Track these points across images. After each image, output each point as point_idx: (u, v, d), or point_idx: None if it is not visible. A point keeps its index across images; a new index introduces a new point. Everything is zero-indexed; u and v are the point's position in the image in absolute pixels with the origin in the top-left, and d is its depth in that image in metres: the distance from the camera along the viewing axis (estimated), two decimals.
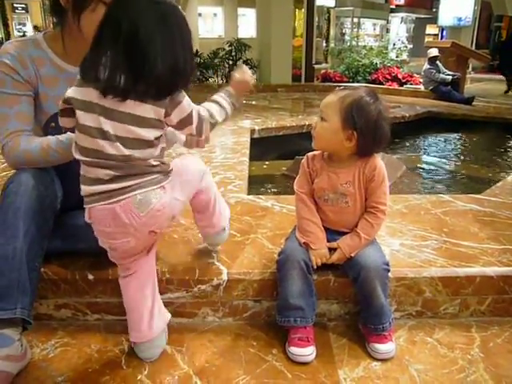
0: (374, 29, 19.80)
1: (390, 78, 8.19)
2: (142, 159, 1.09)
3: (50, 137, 1.31)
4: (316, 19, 9.81)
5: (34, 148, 1.29)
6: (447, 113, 5.67)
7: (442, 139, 5.03)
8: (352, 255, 1.32)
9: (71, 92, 1.08)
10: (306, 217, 1.37)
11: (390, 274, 1.33)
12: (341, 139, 1.27)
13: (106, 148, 1.06)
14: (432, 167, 3.85)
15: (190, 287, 1.42)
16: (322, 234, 1.36)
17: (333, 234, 1.37)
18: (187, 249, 1.56)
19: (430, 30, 22.13)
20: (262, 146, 3.75)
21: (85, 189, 1.11)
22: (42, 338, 1.37)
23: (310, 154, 1.40)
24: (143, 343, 1.27)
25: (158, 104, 1.07)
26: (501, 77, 9.01)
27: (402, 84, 8.01)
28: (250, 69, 1.34)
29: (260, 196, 2.19)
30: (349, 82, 8.48)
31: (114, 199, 1.08)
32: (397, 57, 10.37)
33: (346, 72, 8.97)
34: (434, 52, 6.90)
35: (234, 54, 8.28)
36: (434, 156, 4.28)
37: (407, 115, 5.20)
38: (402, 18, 21.83)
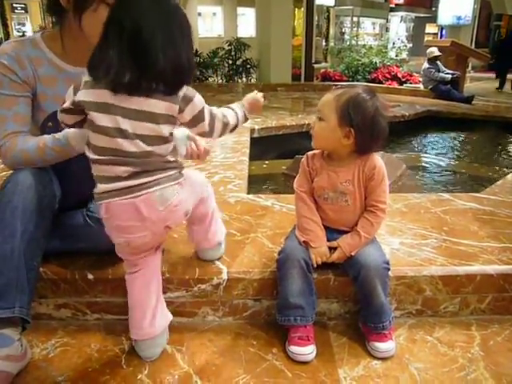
0: (374, 28, 19.80)
1: (389, 77, 8.19)
2: (161, 155, 1.13)
3: (46, 135, 1.30)
4: (315, 18, 9.80)
5: (30, 147, 1.28)
6: (447, 112, 5.66)
7: (442, 138, 5.03)
8: (352, 254, 1.32)
9: (82, 95, 1.08)
10: (306, 215, 1.37)
11: (390, 273, 1.33)
12: (339, 137, 1.27)
13: (126, 146, 1.08)
14: (432, 166, 3.85)
15: (189, 286, 1.42)
16: (322, 233, 1.36)
17: (333, 232, 1.37)
18: (187, 248, 1.56)
19: (430, 28, 22.13)
20: (262, 146, 3.75)
21: (101, 187, 1.12)
22: (42, 338, 1.37)
23: (310, 152, 1.40)
24: (144, 341, 1.27)
25: (170, 100, 1.10)
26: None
27: (401, 83, 8.01)
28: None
29: (260, 195, 2.19)
30: (348, 81, 8.47)
31: (134, 194, 1.10)
32: (396, 56, 10.36)
33: (346, 71, 8.96)
34: (435, 52, 6.89)
35: (233, 53, 8.26)
36: (434, 155, 4.27)
37: (407, 114, 5.20)
38: (402, 16, 21.83)
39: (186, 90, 1.13)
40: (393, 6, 20.34)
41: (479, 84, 9.72)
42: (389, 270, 1.31)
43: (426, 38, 17.14)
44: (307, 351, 1.27)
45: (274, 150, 3.85)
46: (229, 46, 8.29)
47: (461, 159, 4.22)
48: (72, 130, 1.25)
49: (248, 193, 2.26)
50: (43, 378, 1.21)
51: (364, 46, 10.67)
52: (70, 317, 1.46)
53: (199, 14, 14.28)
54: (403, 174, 3.27)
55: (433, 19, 17.58)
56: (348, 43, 12.46)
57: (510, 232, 1.71)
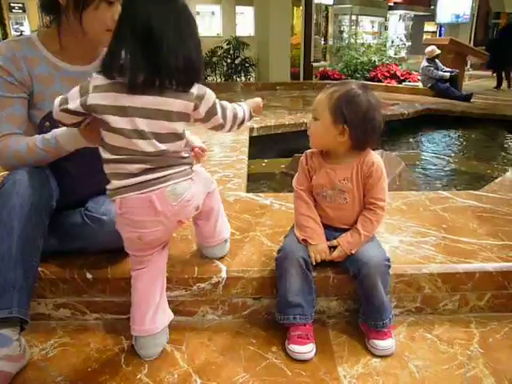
0: (373, 26, 19.78)
1: (388, 75, 8.17)
2: (175, 151, 1.16)
3: (36, 136, 1.30)
4: (314, 17, 9.80)
5: (21, 148, 1.28)
6: (446, 110, 5.67)
7: (441, 136, 5.03)
8: (352, 252, 1.32)
9: (96, 99, 1.08)
10: (304, 213, 1.37)
11: (390, 270, 1.32)
12: (334, 135, 1.27)
13: (142, 146, 1.10)
14: (431, 164, 3.85)
15: (189, 285, 1.41)
16: (321, 230, 1.36)
17: (332, 231, 1.37)
18: (186, 247, 1.56)
19: (429, 27, 22.09)
20: (261, 144, 3.75)
21: (115, 183, 1.14)
22: (41, 338, 1.37)
23: (309, 151, 1.40)
24: (144, 338, 1.26)
25: (185, 98, 1.13)
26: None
27: (400, 81, 8.00)
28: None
29: (259, 194, 2.19)
30: (347, 79, 8.46)
31: (149, 189, 1.12)
32: (395, 54, 10.35)
33: (345, 70, 8.95)
34: (437, 51, 6.87)
35: (232, 52, 8.26)
36: (433, 153, 4.28)
37: (406, 112, 5.21)
38: (401, 15, 21.80)
39: (198, 86, 1.15)
40: (391, 4, 20.32)
41: (478, 82, 9.71)
42: (389, 267, 1.31)
43: (424, 37, 17.11)
44: (307, 350, 1.27)
45: (273, 149, 3.85)
46: (227, 44, 8.29)
47: (460, 157, 4.22)
48: (59, 129, 1.26)
49: (247, 191, 2.26)
50: (42, 378, 1.21)
51: (363, 44, 10.65)
52: (69, 316, 1.46)
53: (198, 13, 14.24)
54: (402, 172, 3.26)
55: (431, 17, 17.56)
56: (347, 42, 12.45)
57: (509, 229, 1.71)
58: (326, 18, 15.55)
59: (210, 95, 1.19)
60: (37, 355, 1.30)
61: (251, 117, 1.38)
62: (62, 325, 1.44)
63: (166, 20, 1.07)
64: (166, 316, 1.31)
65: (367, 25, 19.42)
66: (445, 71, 6.79)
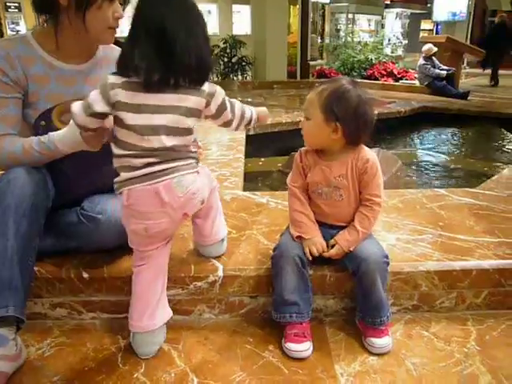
0: (369, 24, 19.75)
1: (385, 73, 8.18)
2: (184, 145, 1.19)
3: (32, 138, 1.30)
4: (311, 15, 9.79)
5: (16, 149, 1.28)
6: (442, 108, 5.67)
7: (438, 134, 5.04)
8: (350, 249, 1.32)
9: (116, 96, 1.10)
10: (298, 209, 1.37)
11: (388, 268, 1.32)
12: (327, 133, 1.27)
13: (155, 143, 1.13)
14: (427, 162, 3.85)
15: (185, 284, 1.41)
16: (315, 226, 1.36)
17: (328, 228, 1.37)
18: (183, 246, 1.56)
19: (425, 25, 22.10)
20: (258, 143, 3.74)
21: (124, 175, 1.16)
22: (38, 338, 1.36)
23: (303, 148, 1.40)
24: (142, 335, 1.26)
25: (197, 94, 1.16)
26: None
27: (397, 79, 8.00)
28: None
29: (255, 192, 2.19)
30: None
31: (155, 180, 1.14)
32: (392, 52, 10.36)
33: (342, 68, 8.94)
34: (434, 49, 6.88)
35: (228, 51, 8.25)
36: (430, 150, 4.28)
37: (403, 110, 5.21)
38: (397, 13, 21.76)
39: (208, 84, 1.19)
40: (388, 2, 20.31)
41: (475, 80, 9.72)
42: (388, 264, 1.31)
43: (421, 35, 17.13)
44: (303, 348, 1.27)
45: (270, 148, 3.85)
46: (224, 43, 8.28)
47: (456, 155, 4.23)
48: (57, 133, 1.26)
49: (244, 190, 2.26)
50: (39, 378, 1.21)
51: (359, 42, 10.65)
52: (66, 316, 1.45)
53: None
54: (399, 170, 3.27)
55: (428, 15, 17.55)
56: (343, 40, 12.45)
57: (506, 227, 1.72)
58: (323, 16, 15.55)
59: (220, 92, 1.22)
60: (33, 355, 1.29)
61: (257, 120, 1.39)
62: (59, 324, 1.44)
63: (178, 20, 1.11)
64: (166, 313, 1.31)
65: (364, 23, 19.39)
66: (441, 69, 6.80)
